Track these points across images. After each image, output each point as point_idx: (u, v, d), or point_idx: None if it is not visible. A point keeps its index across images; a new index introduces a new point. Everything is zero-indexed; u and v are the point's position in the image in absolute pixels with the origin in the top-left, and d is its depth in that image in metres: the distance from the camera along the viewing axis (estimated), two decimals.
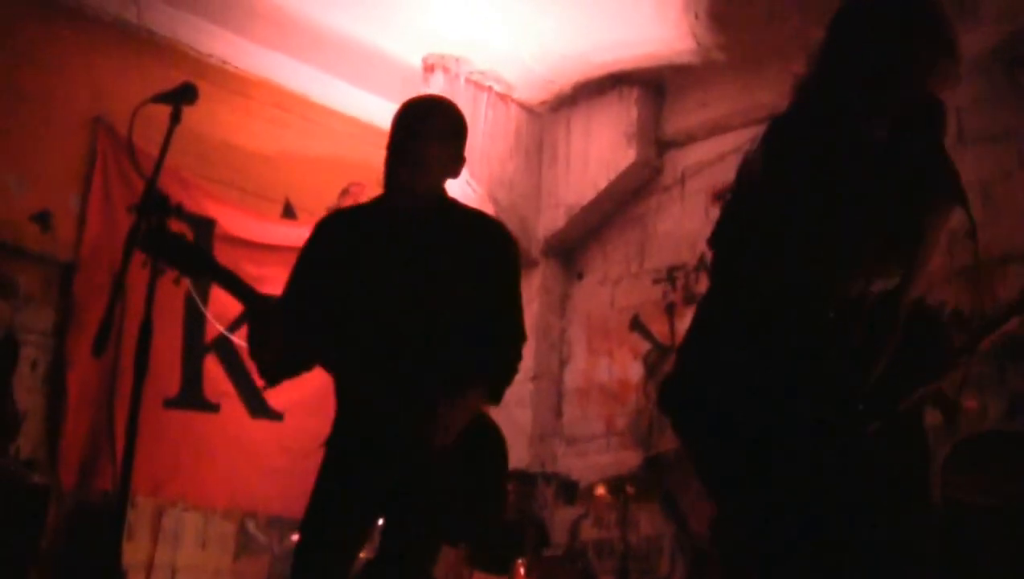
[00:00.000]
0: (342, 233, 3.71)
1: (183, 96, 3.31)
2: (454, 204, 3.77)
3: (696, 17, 6.72)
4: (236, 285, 3.51)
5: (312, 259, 3.72)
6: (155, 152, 3.27)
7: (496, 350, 3.68)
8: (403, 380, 3.45)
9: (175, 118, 3.26)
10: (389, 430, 3.43)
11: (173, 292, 6.32)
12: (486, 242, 3.71)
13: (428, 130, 3.60)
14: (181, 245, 3.27)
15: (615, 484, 6.37)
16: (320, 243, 3.73)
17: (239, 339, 6.68)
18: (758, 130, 2.96)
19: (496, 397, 3.68)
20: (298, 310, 3.58)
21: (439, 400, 3.45)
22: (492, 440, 3.69)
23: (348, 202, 7.26)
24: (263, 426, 6.79)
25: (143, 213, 3.08)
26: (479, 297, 3.62)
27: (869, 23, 2.85)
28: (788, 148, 2.78)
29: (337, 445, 3.57)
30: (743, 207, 2.87)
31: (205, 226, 6.82)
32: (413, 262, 3.58)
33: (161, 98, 3.30)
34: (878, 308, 2.74)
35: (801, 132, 2.80)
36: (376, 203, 3.76)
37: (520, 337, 3.74)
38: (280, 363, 3.57)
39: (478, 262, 3.64)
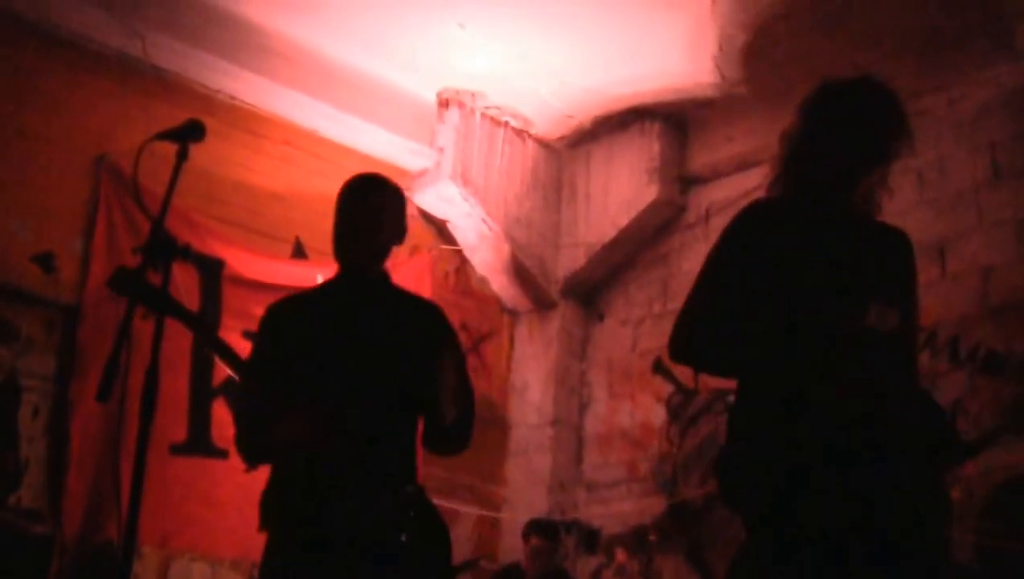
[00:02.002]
0: (292, 317, 3.87)
1: (190, 133, 3.33)
2: (394, 286, 4.00)
3: (720, 50, 6.74)
4: (197, 326, 3.67)
5: (264, 346, 3.84)
6: (161, 191, 3.27)
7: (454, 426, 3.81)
8: (359, 452, 3.54)
9: (182, 155, 3.27)
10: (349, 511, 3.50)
11: (180, 334, 6.33)
12: (434, 321, 3.92)
13: (379, 195, 3.90)
14: (149, 289, 3.26)
15: (638, 534, 6.36)
16: (270, 330, 3.87)
17: None
18: None
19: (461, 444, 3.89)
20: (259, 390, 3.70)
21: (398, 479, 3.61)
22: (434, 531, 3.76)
23: None
24: None
25: (149, 255, 3.09)
26: (426, 364, 3.74)
27: (832, 117, 3.20)
28: (758, 231, 3.13)
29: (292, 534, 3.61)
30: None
31: (213, 267, 6.83)
32: (366, 338, 3.75)
33: (167, 135, 3.31)
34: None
35: (772, 214, 3.17)
36: (322, 288, 4.00)
37: (473, 413, 3.91)
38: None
39: (423, 334, 3.82)
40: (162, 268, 3.10)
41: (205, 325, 3.66)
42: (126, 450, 5.59)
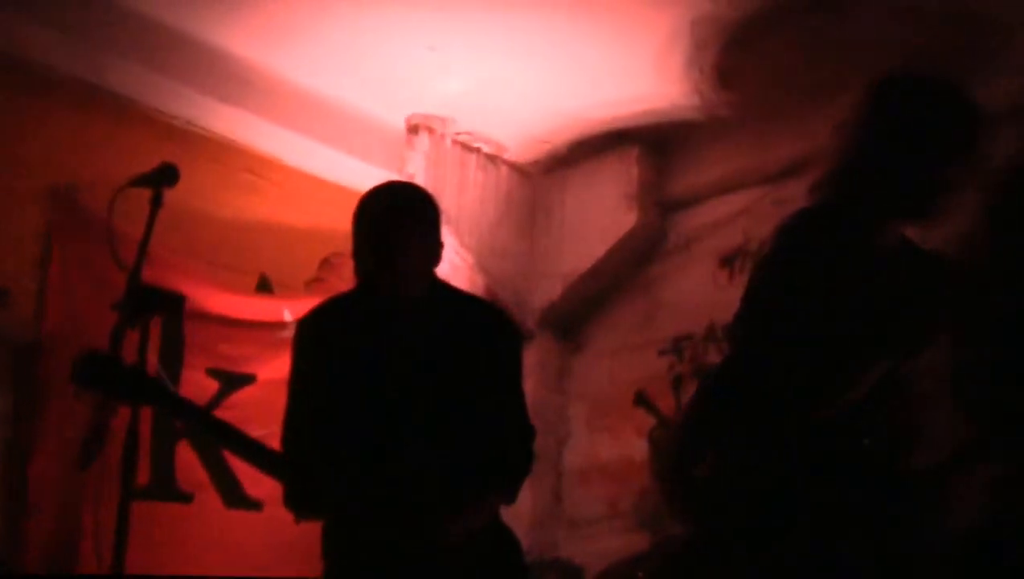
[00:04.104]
0: (331, 332, 3.78)
1: (163, 178, 3.37)
2: (446, 288, 3.84)
3: (701, 72, 6.80)
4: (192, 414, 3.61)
5: (306, 370, 3.79)
6: (127, 229, 3.31)
7: (511, 449, 3.79)
8: (412, 486, 3.53)
9: (156, 202, 3.32)
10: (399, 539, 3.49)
11: None
12: (489, 332, 3.79)
13: (407, 232, 3.61)
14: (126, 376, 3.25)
15: (623, 572, 6.41)
16: (310, 348, 3.80)
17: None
18: (767, 190, 3.18)
19: (513, 497, 3.81)
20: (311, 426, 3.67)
21: (455, 505, 3.54)
22: (506, 542, 3.78)
23: (330, 275, 7.31)
24: (240, 517, 6.74)
25: (127, 311, 3.12)
26: (487, 393, 3.71)
27: (904, 127, 3.06)
28: (798, 250, 2.99)
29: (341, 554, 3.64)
30: (758, 303, 3.02)
31: (165, 299, 6.77)
32: (415, 359, 3.64)
33: (140, 181, 3.36)
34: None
35: (814, 234, 3.00)
36: (360, 293, 3.80)
37: (533, 433, 3.86)
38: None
39: (483, 355, 3.71)
40: (141, 325, 3.12)
41: (202, 412, 3.60)
42: (89, 496, 5.68)
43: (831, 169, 3.16)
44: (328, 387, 3.70)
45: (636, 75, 6.95)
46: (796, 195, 3.43)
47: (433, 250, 3.70)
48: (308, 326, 3.85)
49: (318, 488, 3.55)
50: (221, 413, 6.67)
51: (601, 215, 7.87)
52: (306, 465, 3.61)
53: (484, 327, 3.81)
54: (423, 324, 3.69)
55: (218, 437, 3.56)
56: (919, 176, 3.03)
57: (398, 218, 3.62)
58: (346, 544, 3.64)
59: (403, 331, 3.68)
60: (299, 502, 3.64)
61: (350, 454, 3.61)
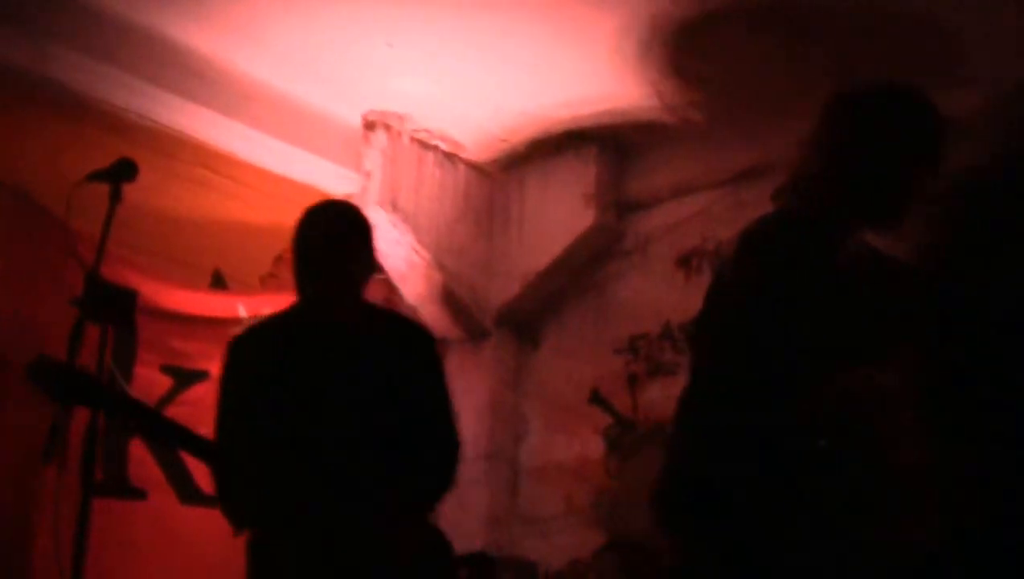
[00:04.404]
0: (260, 356, 3.94)
1: (122, 173, 3.39)
2: (373, 310, 4.07)
3: (660, 73, 6.82)
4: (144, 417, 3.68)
5: (233, 390, 3.91)
6: (72, 221, 3.31)
7: (436, 462, 3.94)
8: (343, 499, 3.63)
9: (115, 197, 3.33)
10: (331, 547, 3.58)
11: (90, 361, 6.31)
12: (408, 348, 4.00)
13: (333, 257, 3.90)
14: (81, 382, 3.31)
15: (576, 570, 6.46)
16: (238, 371, 3.94)
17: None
18: (726, 192, 3.22)
19: (435, 506, 3.98)
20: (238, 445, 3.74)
21: (387, 523, 3.66)
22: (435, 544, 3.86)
23: (284, 271, 7.30)
24: (196, 514, 6.70)
25: (87, 309, 3.13)
26: (410, 409, 3.87)
27: (865, 133, 3.12)
28: (761, 255, 3.01)
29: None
30: (718, 307, 3.06)
31: (126, 298, 6.77)
32: (343, 379, 3.83)
33: (98, 176, 3.37)
34: None
35: (778, 240, 3.01)
36: (289, 316, 4.02)
37: (457, 445, 4.04)
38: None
39: (407, 372, 3.92)
40: (101, 326, 3.13)
41: (155, 414, 3.64)
42: (44, 493, 5.65)
43: (794, 176, 3.21)
44: (255, 408, 3.79)
45: (595, 75, 6.97)
46: (755, 198, 3.49)
47: (361, 272, 3.96)
48: (236, 348, 3.97)
49: (253, 502, 3.63)
50: (175, 409, 6.66)
51: (559, 214, 7.90)
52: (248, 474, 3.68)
53: (403, 343, 4.02)
54: (348, 344, 3.89)
55: (172, 440, 3.62)
56: (882, 184, 3.10)
57: (326, 243, 3.91)
58: (275, 555, 3.70)
59: (328, 351, 3.87)
60: (235, 514, 3.72)
61: (277, 472, 3.68)
